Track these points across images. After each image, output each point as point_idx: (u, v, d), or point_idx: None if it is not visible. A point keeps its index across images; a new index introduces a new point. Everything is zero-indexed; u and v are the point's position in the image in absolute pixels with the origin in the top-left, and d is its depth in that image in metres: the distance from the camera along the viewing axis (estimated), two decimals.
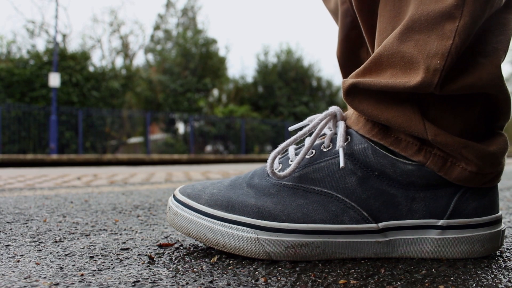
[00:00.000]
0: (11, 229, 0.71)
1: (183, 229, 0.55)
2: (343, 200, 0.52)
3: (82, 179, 2.00)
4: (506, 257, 0.57)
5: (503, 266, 0.52)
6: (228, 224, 0.53)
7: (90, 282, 0.44)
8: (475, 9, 0.47)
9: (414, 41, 0.50)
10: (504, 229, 0.57)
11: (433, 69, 0.49)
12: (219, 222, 0.53)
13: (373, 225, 0.52)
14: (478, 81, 0.50)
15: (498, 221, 0.56)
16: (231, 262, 0.52)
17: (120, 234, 0.67)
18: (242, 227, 0.52)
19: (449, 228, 0.53)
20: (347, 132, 0.56)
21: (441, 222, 0.53)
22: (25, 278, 0.45)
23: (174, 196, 0.58)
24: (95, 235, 0.67)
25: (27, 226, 0.73)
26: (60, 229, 0.71)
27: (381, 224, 0.53)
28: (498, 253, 0.59)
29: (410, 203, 0.53)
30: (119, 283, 0.44)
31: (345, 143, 0.55)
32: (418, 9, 0.50)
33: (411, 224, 0.53)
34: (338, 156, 0.54)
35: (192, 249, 0.58)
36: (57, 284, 0.43)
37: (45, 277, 0.45)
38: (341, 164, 0.52)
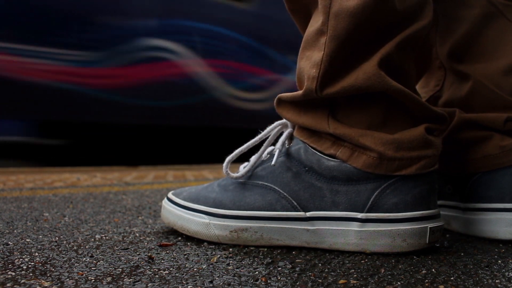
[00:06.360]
0: (10, 228, 0.71)
1: (165, 219, 0.68)
2: (278, 191, 0.60)
3: (81, 178, 2.00)
4: (505, 257, 0.57)
5: (503, 266, 0.53)
6: (191, 212, 0.64)
7: (90, 282, 0.44)
8: (337, 23, 0.55)
9: (305, 57, 0.59)
10: (436, 227, 0.58)
11: (312, 77, 0.57)
12: (186, 210, 0.65)
13: (300, 213, 0.59)
14: (355, 82, 0.56)
15: (424, 218, 0.57)
16: (231, 262, 0.53)
17: (120, 234, 0.67)
18: (200, 214, 0.63)
19: (368, 221, 0.57)
20: (291, 137, 0.64)
21: (360, 215, 0.57)
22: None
23: (167, 196, 0.70)
24: (95, 235, 0.67)
25: (26, 226, 0.73)
26: (59, 229, 0.71)
27: (308, 213, 0.59)
28: (497, 253, 0.59)
29: (334, 196, 0.58)
30: (119, 283, 0.44)
31: (286, 146, 0.63)
32: (307, 30, 0.60)
33: (335, 216, 0.58)
34: (281, 157, 0.63)
35: (192, 249, 0.59)
36: (57, 284, 0.43)
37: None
38: (272, 162, 0.61)
